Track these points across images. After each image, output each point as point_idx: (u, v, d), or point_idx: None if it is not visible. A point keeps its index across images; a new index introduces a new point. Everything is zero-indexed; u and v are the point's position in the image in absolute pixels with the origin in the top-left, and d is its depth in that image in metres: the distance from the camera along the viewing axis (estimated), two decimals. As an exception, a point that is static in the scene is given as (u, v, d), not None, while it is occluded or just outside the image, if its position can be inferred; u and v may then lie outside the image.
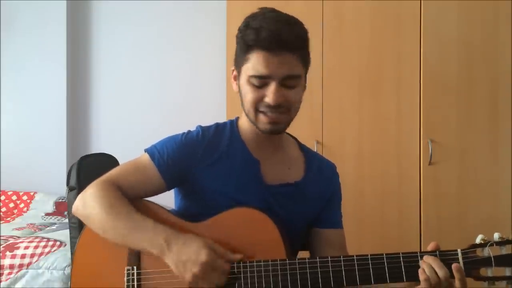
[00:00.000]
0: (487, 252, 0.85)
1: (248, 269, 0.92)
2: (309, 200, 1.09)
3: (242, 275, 0.92)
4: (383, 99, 2.35)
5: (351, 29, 2.36)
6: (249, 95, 0.96)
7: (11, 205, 2.81)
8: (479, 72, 2.30)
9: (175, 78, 3.06)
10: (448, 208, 2.29)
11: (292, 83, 0.96)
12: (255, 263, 0.92)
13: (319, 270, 0.90)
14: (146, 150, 1.04)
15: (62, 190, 2.55)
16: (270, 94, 0.93)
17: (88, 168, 1.25)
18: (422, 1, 2.31)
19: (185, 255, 0.88)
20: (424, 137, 2.31)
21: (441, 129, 2.31)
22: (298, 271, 0.90)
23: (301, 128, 2.37)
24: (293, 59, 0.94)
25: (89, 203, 0.96)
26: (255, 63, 0.93)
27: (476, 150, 2.30)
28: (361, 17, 2.36)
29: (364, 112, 2.36)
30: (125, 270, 0.95)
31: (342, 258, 0.90)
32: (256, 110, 0.97)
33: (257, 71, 0.93)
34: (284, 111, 0.97)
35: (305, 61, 0.99)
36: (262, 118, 0.97)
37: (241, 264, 0.92)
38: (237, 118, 1.10)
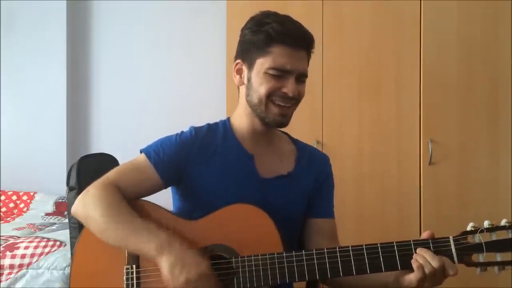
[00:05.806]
0: (478, 238, 0.87)
1: (246, 264, 0.92)
2: (303, 190, 1.11)
3: (240, 269, 0.92)
4: (383, 99, 2.35)
5: (351, 29, 2.36)
6: (265, 85, 1.00)
7: (11, 205, 2.81)
8: (479, 72, 2.30)
9: (175, 78, 3.06)
10: (448, 208, 2.29)
11: (303, 78, 1.03)
12: (252, 257, 0.92)
13: (315, 261, 0.91)
14: (141, 151, 1.06)
15: (62, 190, 2.54)
16: (289, 86, 0.99)
17: (88, 168, 1.26)
18: (422, 1, 2.31)
19: (187, 258, 0.88)
20: (424, 137, 2.31)
21: (441, 129, 2.31)
22: (295, 264, 0.91)
23: (301, 128, 2.39)
24: (306, 57, 1.03)
25: (89, 204, 0.96)
26: (277, 56, 0.98)
27: (476, 150, 2.30)
28: (361, 17, 2.36)
29: (364, 112, 2.36)
30: (124, 269, 0.95)
31: (338, 249, 0.91)
32: (268, 101, 1.00)
33: (280, 65, 0.98)
34: (294, 103, 1.03)
35: (309, 61, 1.06)
36: (273, 109, 1.01)
37: (239, 259, 0.93)
38: (229, 118, 1.13)
